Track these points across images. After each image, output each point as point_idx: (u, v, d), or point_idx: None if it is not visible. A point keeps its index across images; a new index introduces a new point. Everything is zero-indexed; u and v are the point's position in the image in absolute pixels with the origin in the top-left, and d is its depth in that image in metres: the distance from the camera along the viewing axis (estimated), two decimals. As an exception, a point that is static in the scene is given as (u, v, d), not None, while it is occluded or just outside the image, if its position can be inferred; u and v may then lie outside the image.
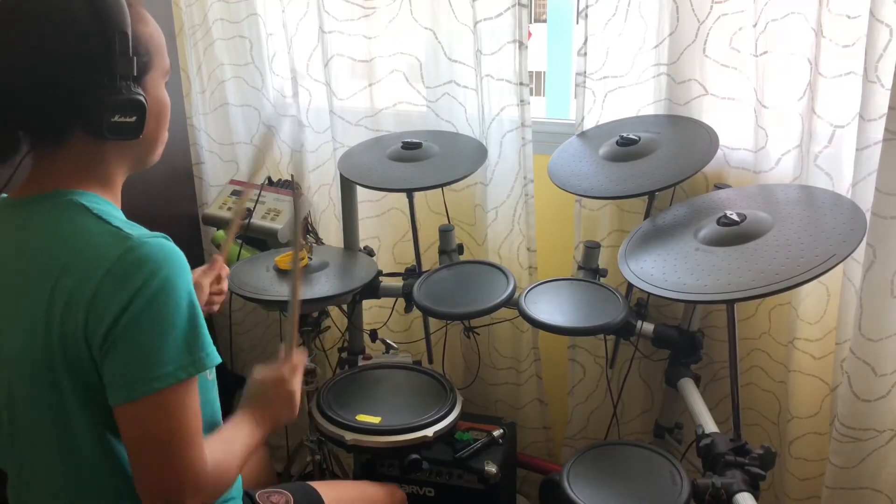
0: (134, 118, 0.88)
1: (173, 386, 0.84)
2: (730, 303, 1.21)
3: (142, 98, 0.88)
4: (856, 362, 1.32)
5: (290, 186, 1.94)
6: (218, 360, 0.89)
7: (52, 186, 0.91)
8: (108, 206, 0.92)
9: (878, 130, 1.26)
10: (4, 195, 0.97)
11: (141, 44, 0.89)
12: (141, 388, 0.83)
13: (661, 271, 1.22)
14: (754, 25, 1.40)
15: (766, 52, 1.41)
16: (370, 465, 1.57)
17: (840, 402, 1.37)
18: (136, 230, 0.87)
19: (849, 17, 1.32)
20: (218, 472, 0.90)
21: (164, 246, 0.85)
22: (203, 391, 0.92)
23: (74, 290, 0.83)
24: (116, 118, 0.86)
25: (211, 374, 1.00)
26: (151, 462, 0.85)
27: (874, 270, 1.27)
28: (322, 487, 1.25)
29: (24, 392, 0.90)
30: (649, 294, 1.24)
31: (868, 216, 1.23)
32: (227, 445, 0.95)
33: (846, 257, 1.08)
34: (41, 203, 0.90)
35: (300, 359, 1.10)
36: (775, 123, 1.45)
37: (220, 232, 1.96)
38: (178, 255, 0.86)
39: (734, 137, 1.52)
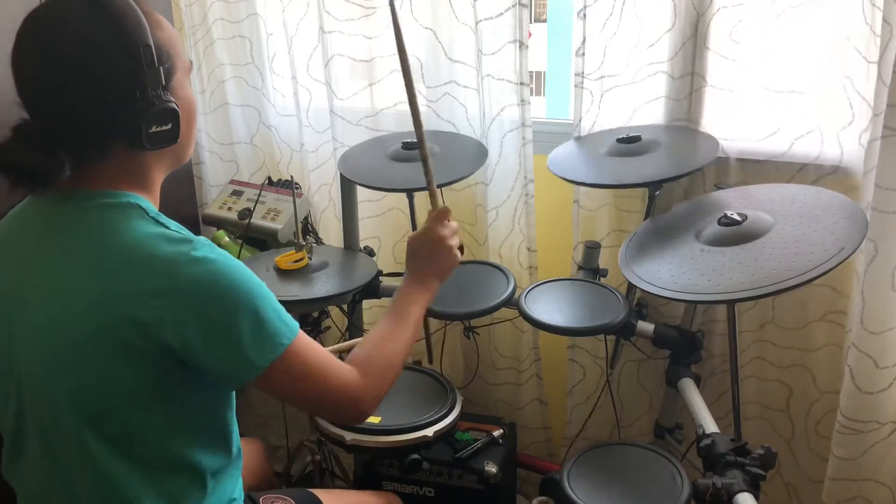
0: (170, 125, 0.91)
1: (280, 356, 0.90)
2: (732, 303, 1.21)
3: (174, 105, 0.90)
4: (858, 355, 1.34)
5: (290, 186, 1.94)
6: (297, 325, 0.94)
7: (100, 188, 0.92)
8: (154, 209, 0.95)
9: (879, 128, 1.26)
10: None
11: (163, 51, 0.90)
12: (252, 370, 0.90)
13: (668, 274, 1.22)
14: (755, 20, 1.41)
15: (767, 47, 1.42)
16: (370, 465, 1.57)
17: (843, 394, 1.38)
18: (190, 234, 0.91)
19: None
20: (371, 375, 1.00)
21: (219, 249, 0.90)
22: (221, 400, 1.00)
23: (137, 289, 0.85)
24: (154, 129, 0.89)
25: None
26: (306, 406, 1.02)
27: (875, 265, 1.29)
28: (323, 495, 1.26)
29: (57, 380, 0.89)
30: (638, 292, 1.24)
31: (869, 212, 1.24)
32: (380, 341, 1.05)
33: (855, 250, 1.08)
34: (95, 201, 0.91)
35: (443, 208, 1.19)
36: (776, 116, 1.46)
37: (221, 231, 1.96)
38: (231, 256, 0.92)
39: (734, 131, 1.52)
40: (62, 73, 0.86)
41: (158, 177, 0.99)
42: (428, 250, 1.16)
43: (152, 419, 0.92)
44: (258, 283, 0.91)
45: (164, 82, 0.89)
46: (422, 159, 1.22)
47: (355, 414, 1.01)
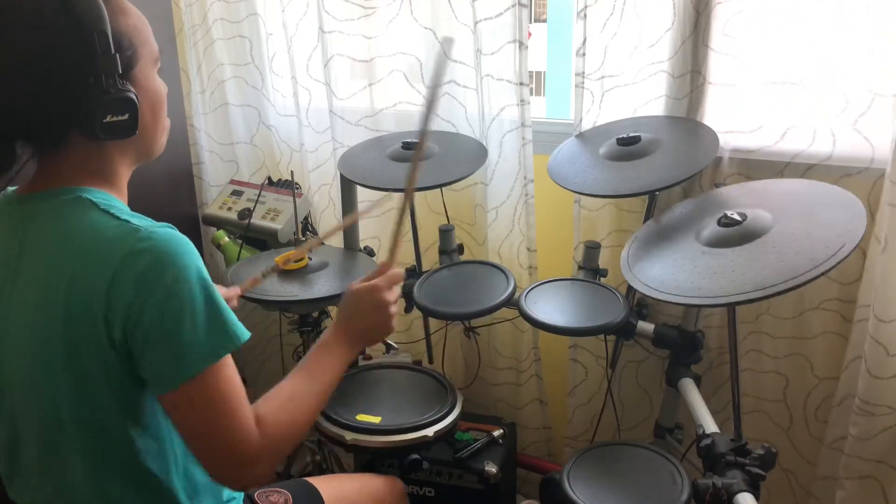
0: (126, 115, 0.87)
1: (206, 369, 0.85)
2: (742, 304, 1.21)
3: (132, 95, 0.87)
4: (870, 342, 1.37)
5: (290, 186, 1.94)
6: (246, 335, 0.90)
7: (58, 184, 0.90)
8: (115, 201, 0.92)
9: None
10: (11, 188, 0.96)
11: (124, 38, 0.88)
12: (175, 377, 0.85)
13: (670, 277, 1.21)
14: (754, 13, 1.42)
15: (766, 40, 1.43)
16: (370, 464, 1.57)
17: (859, 378, 1.41)
18: (144, 221, 0.87)
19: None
20: (273, 433, 0.91)
21: (173, 235, 0.86)
22: None
23: (88, 282, 0.83)
24: (108, 118, 0.86)
25: None
26: (202, 442, 0.88)
27: (886, 255, 1.32)
28: (321, 483, 1.25)
29: (39, 387, 0.89)
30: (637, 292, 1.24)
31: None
32: (287, 399, 0.96)
33: (855, 247, 1.08)
34: (48, 200, 0.90)
35: (398, 271, 1.08)
36: (776, 111, 1.46)
37: (221, 231, 1.96)
38: (187, 242, 0.87)
39: (733, 128, 1.52)
40: (14, 59, 0.84)
41: (123, 171, 0.96)
42: (368, 309, 1.05)
43: (127, 423, 0.90)
44: (207, 281, 0.87)
45: (120, 70, 0.86)
46: (403, 208, 1.10)
47: (241, 475, 0.90)
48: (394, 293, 1.07)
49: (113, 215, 0.87)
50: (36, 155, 0.92)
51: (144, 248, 0.83)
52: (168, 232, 0.85)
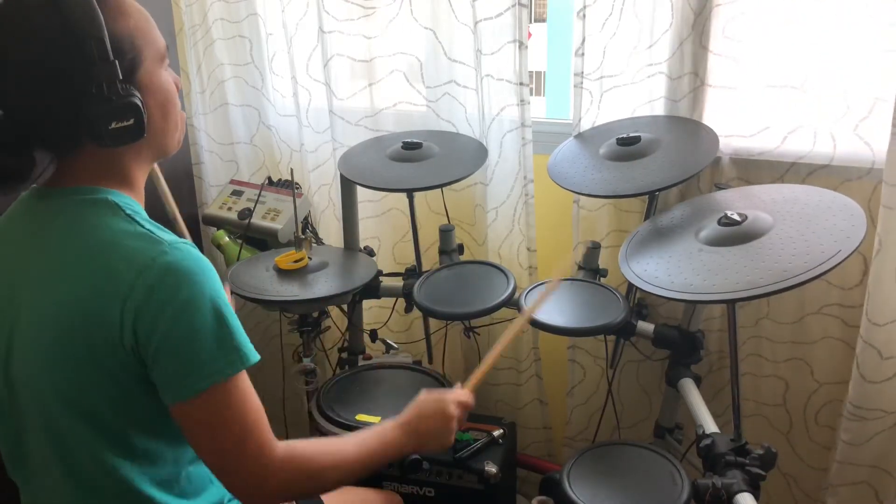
0: (132, 120, 0.87)
1: (217, 384, 0.86)
2: (732, 302, 1.21)
3: (135, 99, 0.87)
4: (863, 345, 1.37)
5: (291, 186, 1.94)
6: (255, 358, 0.90)
7: (78, 183, 0.91)
8: (136, 205, 0.93)
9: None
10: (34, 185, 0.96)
11: (125, 41, 0.87)
12: (181, 391, 0.86)
13: (665, 272, 1.22)
14: (753, 15, 1.42)
15: (765, 43, 1.43)
16: (370, 465, 1.56)
17: (851, 382, 1.41)
18: (167, 234, 0.88)
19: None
20: (294, 464, 0.92)
21: (193, 253, 0.87)
22: None
23: (108, 287, 0.84)
24: (114, 125, 0.85)
25: None
26: (210, 458, 0.90)
27: (880, 258, 1.31)
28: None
29: (45, 382, 0.89)
30: (638, 292, 1.24)
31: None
32: (323, 446, 0.98)
33: (852, 253, 1.08)
34: (70, 196, 0.90)
35: (470, 399, 1.15)
36: (775, 113, 1.46)
37: (221, 231, 1.96)
38: (205, 262, 0.88)
39: (732, 129, 1.52)
40: (15, 71, 0.84)
41: (138, 171, 0.96)
42: (434, 419, 1.10)
43: (132, 424, 0.91)
44: (224, 299, 0.88)
45: (121, 76, 0.85)
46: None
47: (250, 496, 0.91)
48: (459, 412, 1.12)
49: (136, 222, 0.88)
50: (55, 158, 0.92)
51: (164, 262, 0.84)
52: (188, 249, 0.87)
